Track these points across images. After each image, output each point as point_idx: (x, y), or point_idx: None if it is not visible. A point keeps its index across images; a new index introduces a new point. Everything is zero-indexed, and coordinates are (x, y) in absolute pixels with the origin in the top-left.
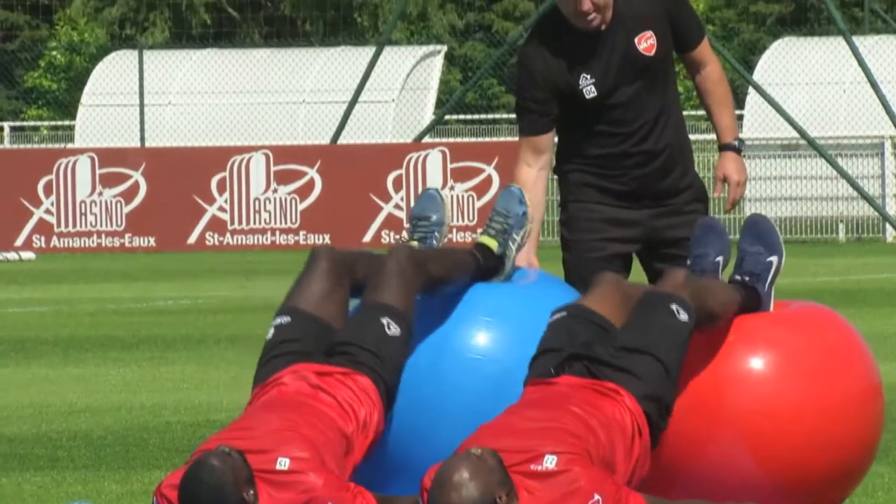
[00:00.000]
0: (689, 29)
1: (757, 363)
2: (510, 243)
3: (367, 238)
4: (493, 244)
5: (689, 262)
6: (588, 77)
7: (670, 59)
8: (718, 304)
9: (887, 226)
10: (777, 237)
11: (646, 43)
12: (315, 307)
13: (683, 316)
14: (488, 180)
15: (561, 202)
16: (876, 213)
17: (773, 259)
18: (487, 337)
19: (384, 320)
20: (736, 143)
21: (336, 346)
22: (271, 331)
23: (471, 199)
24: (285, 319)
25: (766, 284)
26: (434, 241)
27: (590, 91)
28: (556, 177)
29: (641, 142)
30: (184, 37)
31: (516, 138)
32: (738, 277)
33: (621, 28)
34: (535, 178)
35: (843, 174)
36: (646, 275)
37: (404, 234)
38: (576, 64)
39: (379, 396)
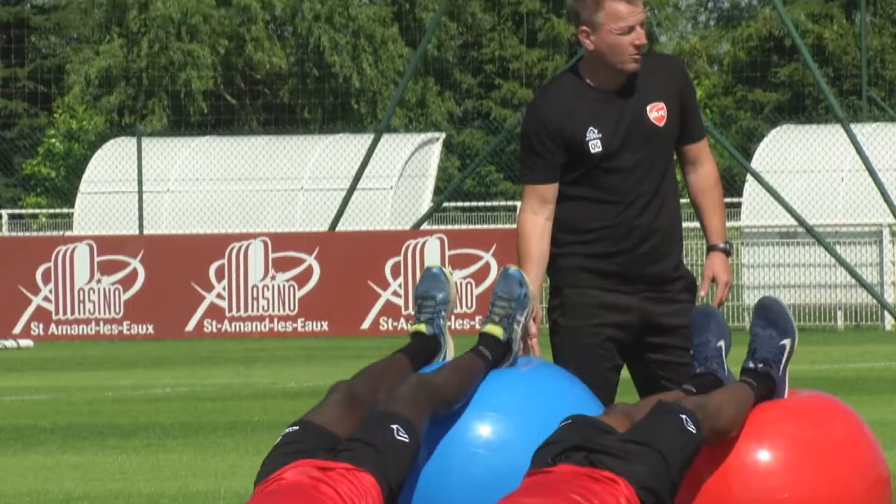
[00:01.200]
0: (694, 122)
1: (764, 455)
2: (515, 326)
3: (366, 325)
4: (498, 332)
5: (691, 352)
6: (595, 132)
7: (674, 139)
8: (728, 421)
9: (886, 314)
10: (790, 319)
11: (657, 113)
12: (327, 424)
13: (692, 427)
14: (486, 267)
15: (553, 287)
16: (874, 301)
17: (786, 342)
18: (492, 430)
19: (394, 426)
20: (726, 245)
21: (341, 444)
22: (279, 438)
23: (469, 286)
24: (294, 428)
25: (781, 369)
26: (441, 321)
27: (595, 146)
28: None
29: (638, 215)
30: (182, 124)
31: (513, 225)
32: (751, 365)
33: (635, 92)
34: (543, 227)
35: (842, 262)
36: (633, 369)
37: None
38: (585, 117)
39: (381, 495)
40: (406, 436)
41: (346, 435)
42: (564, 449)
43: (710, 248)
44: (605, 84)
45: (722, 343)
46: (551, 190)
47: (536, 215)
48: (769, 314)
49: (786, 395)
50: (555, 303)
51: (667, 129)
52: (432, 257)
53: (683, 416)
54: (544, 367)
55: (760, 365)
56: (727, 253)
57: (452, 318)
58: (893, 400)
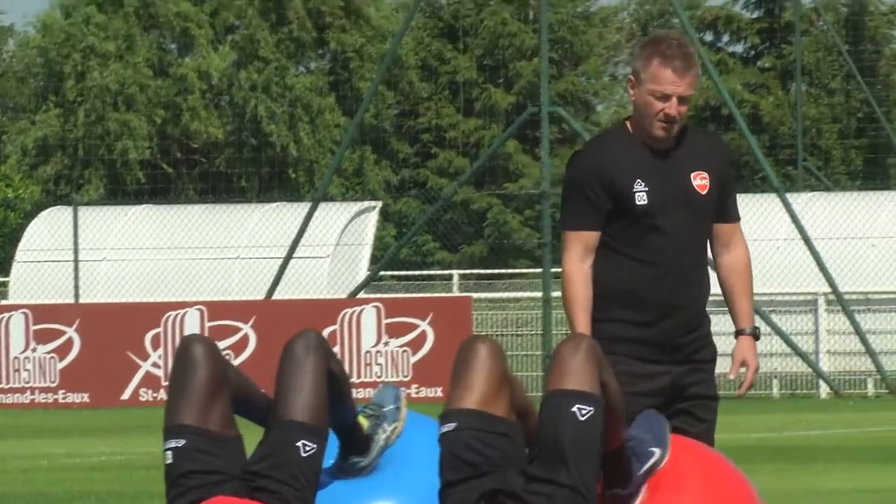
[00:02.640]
0: (731, 203)
1: None
2: (379, 432)
3: None
4: (364, 423)
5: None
6: (643, 184)
7: (714, 211)
8: (616, 394)
9: (821, 382)
10: (667, 437)
11: (700, 181)
12: (200, 417)
13: (587, 413)
14: (423, 336)
15: None
16: (810, 370)
17: (657, 451)
18: None
19: (300, 443)
20: (754, 329)
21: (252, 478)
22: (168, 455)
23: (405, 354)
24: (180, 442)
25: (643, 469)
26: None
27: (641, 198)
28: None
29: (676, 283)
30: (119, 193)
31: (450, 294)
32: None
33: (682, 156)
34: (587, 274)
35: (777, 331)
36: None
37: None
38: (633, 170)
39: None
40: (312, 445)
41: (223, 421)
42: (482, 496)
43: (739, 332)
44: (650, 142)
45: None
46: (595, 238)
47: (582, 263)
48: (652, 424)
49: (637, 499)
50: None
51: (708, 199)
52: (369, 326)
53: (575, 408)
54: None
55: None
56: (756, 337)
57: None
58: (828, 469)
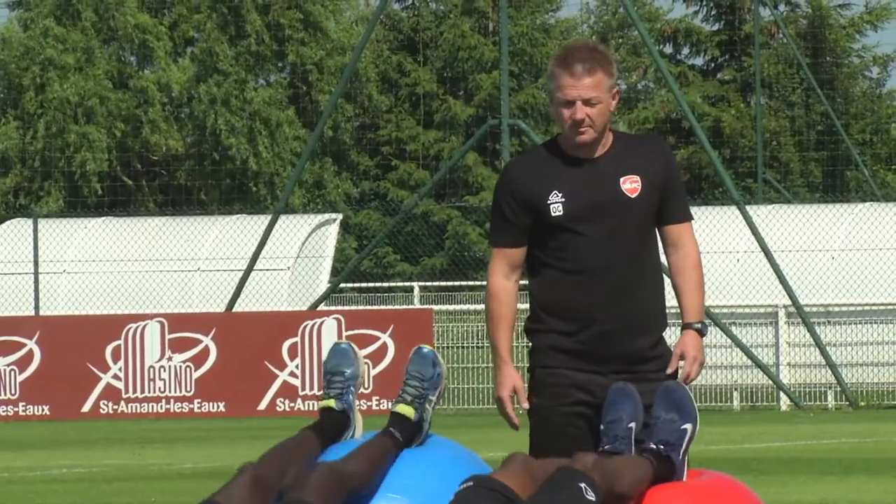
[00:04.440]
0: (676, 204)
1: None
2: (427, 406)
3: (262, 406)
4: (409, 412)
5: (601, 427)
6: (559, 195)
7: (650, 215)
8: (628, 485)
9: (781, 394)
10: (692, 404)
11: (630, 184)
12: None
13: (591, 496)
14: (384, 348)
15: (529, 367)
16: (770, 382)
17: (688, 426)
18: None
19: None
20: (700, 325)
21: None
22: None
23: (366, 366)
24: None
25: (681, 452)
26: (350, 396)
27: (556, 209)
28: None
29: (608, 292)
30: (79, 205)
31: (410, 306)
32: (651, 446)
33: (611, 162)
34: (512, 290)
35: (738, 343)
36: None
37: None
38: (551, 180)
39: None
40: None
41: None
42: None
43: (685, 326)
44: (577, 151)
45: (633, 424)
46: (519, 254)
47: (507, 280)
48: (672, 398)
49: (684, 479)
50: (530, 383)
51: (640, 202)
52: (329, 338)
53: (583, 485)
54: (447, 446)
55: (662, 447)
56: (700, 333)
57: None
58: (789, 481)
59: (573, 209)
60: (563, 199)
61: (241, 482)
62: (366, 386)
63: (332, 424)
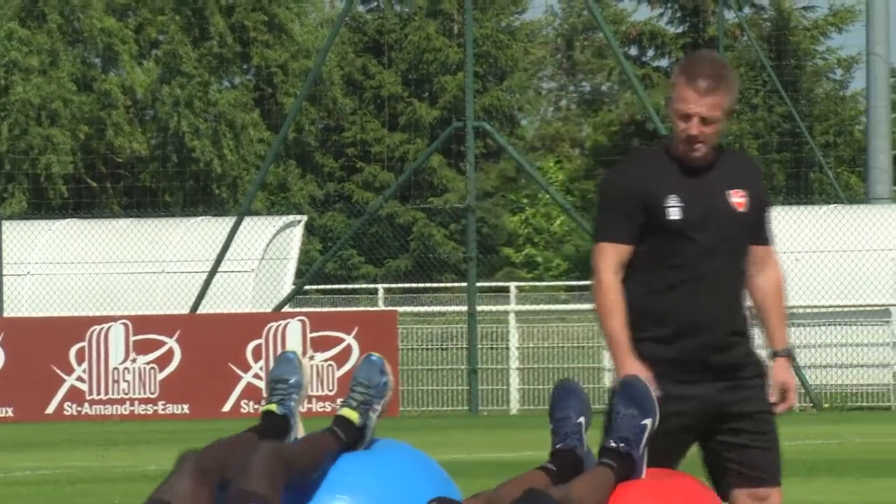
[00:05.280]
0: (766, 225)
1: None
2: (371, 413)
3: (227, 408)
4: (354, 416)
5: (550, 426)
6: (676, 199)
7: (752, 229)
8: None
9: None
10: (652, 399)
11: (738, 198)
12: (179, 501)
13: None
14: (348, 350)
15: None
16: None
17: (648, 422)
18: None
19: None
20: (789, 350)
21: None
22: None
23: (330, 368)
24: None
25: (641, 448)
26: (292, 403)
27: (674, 213)
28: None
29: (713, 300)
30: (43, 207)
31: (375, 308)
32: (612, 444)
33: (721, 174)
34: (621, 286)
35: None
36: (702, 447)
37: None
38: (668, 185)
39: None
40: None
41: None
42: None
43: (775, 354)
44: (686, 161)
45: (582, 419)
46: (629, 252)
47: (616, 276)
48: (632, 392)
49: (643, 475)
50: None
51: (746, 217)
52: (294, 339)
53: None
54: (396, 448)
55: (622, 444)
56: (791, 358)
57: (313, 400)
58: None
59: (689, 215)
60: (681, 205)
61: (184, 472)
62: (330, 388)
63: (273, 428)
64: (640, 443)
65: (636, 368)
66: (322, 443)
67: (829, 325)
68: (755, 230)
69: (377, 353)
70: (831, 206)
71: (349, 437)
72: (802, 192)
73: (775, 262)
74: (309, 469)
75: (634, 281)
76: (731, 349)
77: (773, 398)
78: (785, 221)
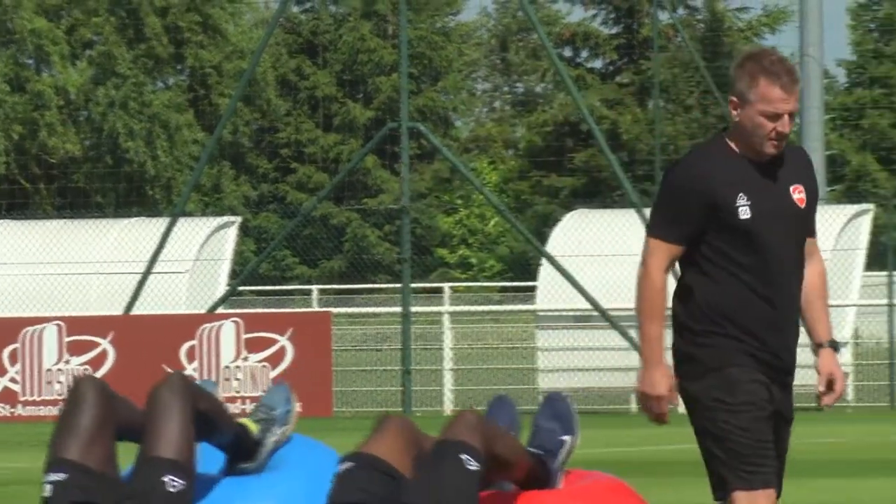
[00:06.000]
0: (814, 217)
1: None
2: (269, 435)
3: None
4: (253, 427)
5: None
6: (745, 198)
7: (810, 225)
8: (510, 451)
9: (678, 396)
10: (574, 418)
11: (798, 194)
12: (83, 453)
13: (473, 466)
14: (282, 351)
15: (709, 368)
16: None
17: (567, 438)
18: None
19: (166, 478)
20: (834, 342)
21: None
22: (48, 487)
23: (265, 370)
24: (60, 476)
25: (557, 462)
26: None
27: (744, 212)
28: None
29: (784, 301)
30: None
31: (309, 309)
32: (531, 449)
33: (781, 170)
34: (667, 286)
35: (636, 346)
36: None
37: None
38: (737, 183)
39: None
40: (180, 482)
41: (103, 458)
42: None
43: (820, 345)
44: (752, 156)
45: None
46: (680, 252)
47: (665, 274)
48: (555, 408)
49: (559, 487)
50: (716, 382)
51: (806, 212)
52: (227, 341)
53: (464, 456)
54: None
55: (541, 452)
56: (836, 349)
57: (247, 401)
58: (685, 483)
59: (759, 213)
60: (749, 203)
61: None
62: (263, 390)
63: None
64: (556, 456)
65: (660, 376)
66: (226, 408)
67: None
68: (811, 224)
69: (287, 383)
70: None
71: (246, 442)
72: None
73: (819, 253)
74: (213, 416)
75: (705, 277)
76: (793, 350)
77: (821, 388)
78: None
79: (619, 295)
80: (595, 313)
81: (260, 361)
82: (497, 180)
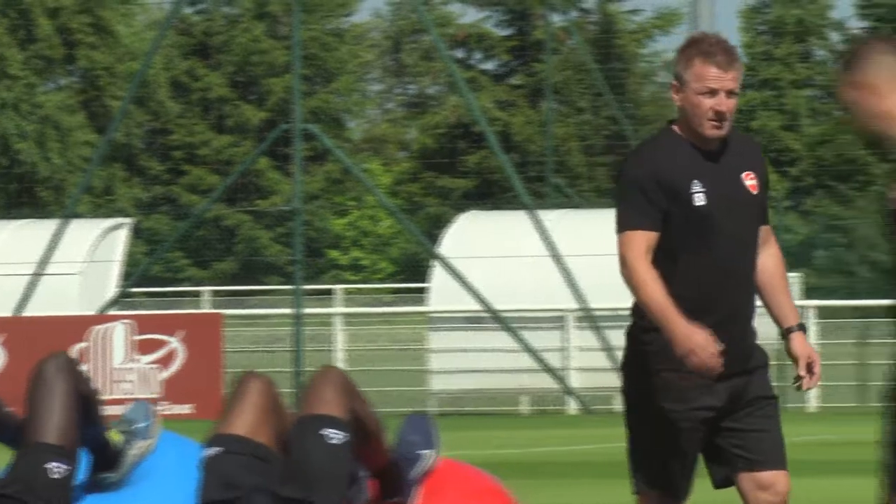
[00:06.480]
0: (766, 205)
1: None
2: (129, 448)
3: None
4: (117, 437)
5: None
6: (700, 184)
7: (763, 212)
8: (373, 422)
9: (570, 399)
10: (435, 435)
11: (750, 181)
12: None
13: (336, 439)
14: (173, 353)
15: (645, 370)
16: (559, 386)
17: (426, 453)
18: None
19: (49, 465)
20: (802, 325)
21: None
22: None
23: (155, 371)
24: None
25: (412, 474)
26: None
27: (699, 199)
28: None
29: (740, 288)
30: None
31: (200, 311)
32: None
33: (732, 157)
34: (656, 274)
35: (527, 347)
36: (703, 451)
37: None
38: (688, 171)
39: None
40: (64, 466)
41: None
42: None
43: (790, 330)
44: (706, 144)
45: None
46: (655, 238)
47: (649, 262)
48: (419, 424)
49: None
50: (649, 386)
51: (759, 200)
52: (118, 343)
53: (325, 432)
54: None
55: (397, 458)
56: (804, 332)
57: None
58: (575, 484)
59: (713, 201)
60: (704, 190)
61: None
62: (155, 391)
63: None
64: (411, 468)
65: (689, 331)
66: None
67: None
68: (764, 212)
69: (148, 400)
70: None
71: (109, 451)
72: None
73: (775, 241)
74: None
75: (663, 266)
76: (750, 338)
77: (801, 372)
78: (610, 223)
79: (511, 295)
80: (487, 315)
81: (151, 363)
82: (390, 182)
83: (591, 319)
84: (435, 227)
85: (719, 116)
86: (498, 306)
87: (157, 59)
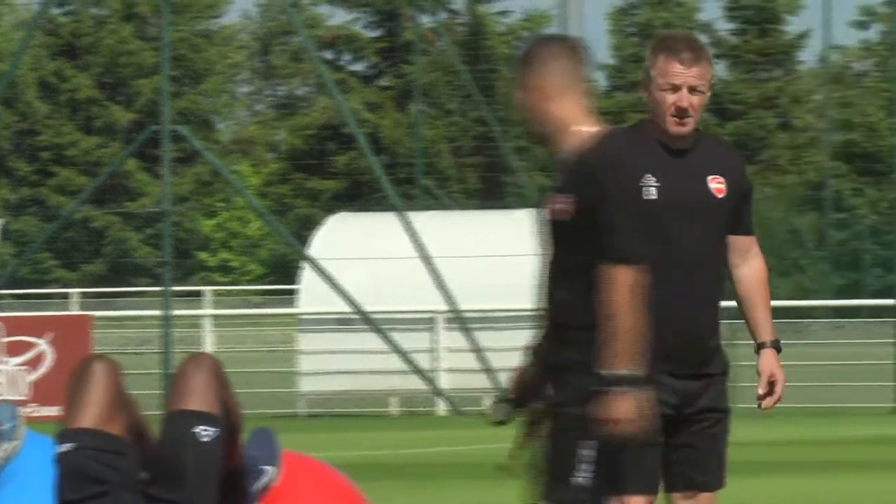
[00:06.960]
0: (749, 215)
1: None
2: None
3: None
4: None
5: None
6: (653, 179)
7: (730, 218)
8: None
9: (439, 400)
10: (278, 453)
11: (717, 184)
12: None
13: (207, 435)
14: (42, 355)
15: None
16: (428, 387)
17: (268, 469)
18: None
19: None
20: (777, 341)
21: None
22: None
23: (24, 373)
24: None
25: (254, 488)
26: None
27: (649, 192)
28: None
29: (686, 289)
30: None
31: (69, 312)
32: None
33: (700, 158)
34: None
35: (396, 349)
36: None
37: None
38: (646, 163)
39: None
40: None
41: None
42: None
43: (762, 345)
44: (671, 141)
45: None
46: None
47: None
48: (264, 439)
49: None
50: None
51: (724, 204)
52: None
53: (196, 430)
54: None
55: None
56: (778, 349)
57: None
58: (444, 485)
59: (666, 198)
60: (657, 185)
61: None
62: (24, 393)
63: None
64: (255, 481)
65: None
66: None
67: (525, 328)
68: (735, 219)
69: (11, 401)
70: (526, 210)
71: None
72: (496, 195)
73: (758, 252)
74: None
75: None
76: (708, 341)
77: (761, 390)
78: (481, 225)
79: (381, 298)
80: (357, 316)
81: (19, 365)
82: (259, 183)
83: (460, 321)
84: (304, 228)
85: (680, 112)
86: (367, 308)
87: (24, 60)
